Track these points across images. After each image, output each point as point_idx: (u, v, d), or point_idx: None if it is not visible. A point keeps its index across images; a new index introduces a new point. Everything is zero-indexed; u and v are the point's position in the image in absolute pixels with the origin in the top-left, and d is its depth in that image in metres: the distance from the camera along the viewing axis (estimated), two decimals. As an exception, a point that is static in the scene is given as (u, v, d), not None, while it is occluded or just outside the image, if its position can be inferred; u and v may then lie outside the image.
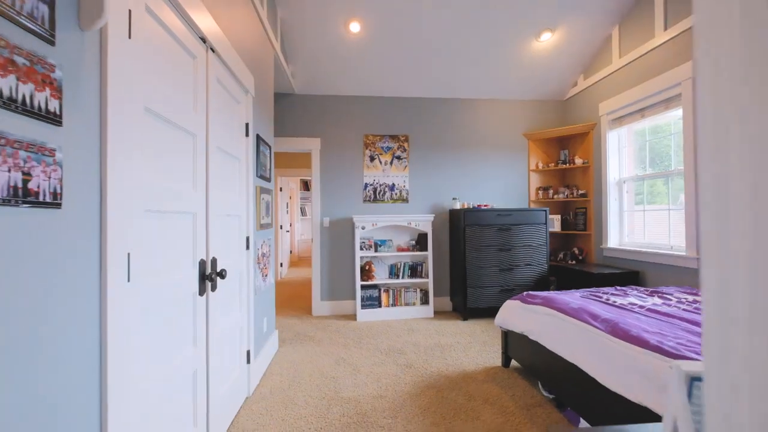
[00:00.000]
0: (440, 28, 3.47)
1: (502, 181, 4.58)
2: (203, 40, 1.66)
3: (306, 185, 10.52)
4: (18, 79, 0.74)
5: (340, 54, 3.75)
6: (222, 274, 1.71)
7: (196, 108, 1.59)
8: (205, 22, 1.63)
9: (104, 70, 0.99)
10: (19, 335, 0.74)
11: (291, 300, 5.13)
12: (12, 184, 0.72)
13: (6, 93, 0.71)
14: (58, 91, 0.83)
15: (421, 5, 3.21)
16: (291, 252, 9.09)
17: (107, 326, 0.98)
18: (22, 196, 0.74)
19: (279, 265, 7.09)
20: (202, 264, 1.64)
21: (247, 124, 2.33)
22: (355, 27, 3.45)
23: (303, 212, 10.84)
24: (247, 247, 2.33)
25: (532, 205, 4.59)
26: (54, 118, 0.82)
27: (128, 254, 1.07)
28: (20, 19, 0.74)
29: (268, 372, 2.69)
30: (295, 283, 6.51)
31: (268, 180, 2.94)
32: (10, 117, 0.72)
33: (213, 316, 1.75)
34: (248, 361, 2.31)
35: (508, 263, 4.00)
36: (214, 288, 1.73)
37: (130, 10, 1.09)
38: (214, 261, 1.74)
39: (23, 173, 0.74)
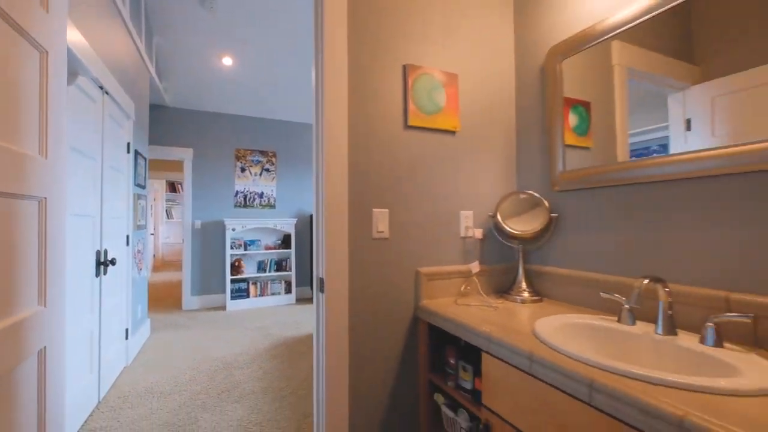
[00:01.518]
0: (304, 67, 4.43)
1: (354, 193, 5.79)
2: (101, 87, 2.24)
3: (173, 186, 10.09)
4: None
5: (213, 78, 4.35)
6: (113, 262, 2.30)
7: (96, 138, 2.17)
8: (103, 73, 2.21)
9: (54, 129, 1.62)
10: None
11: (158, 300, 5.32)
12: (22, 200, 1.37)
13: (21, 153, 1.37)
14: (36, 147, 1.48)
15: (285, 47, 4.12)
16: (154, 256, 8.71)
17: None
18: (25, 207, 1.39)
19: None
20: (98, 253, 2.21)
21: (128, 143, 2.85)
22: (227, 61, 4.13)
23: (168, 215, 10.34)
24: (127, 244, 2.84)
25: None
26: (35, 163, 1.47)
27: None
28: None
29: (143, 350, 3.18)
30: (161, 285, 6.52)
31: (143, 187, 3.40)
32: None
33: (104, 294, 2.31)
34: (126, 338, 2.81)
35: (354, 257, 5.19)
36: (105, 272, 2.29)
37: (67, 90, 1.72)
38: (105, 252, 2.31)
39: (25, 195, 1.39)
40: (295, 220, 5.07)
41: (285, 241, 5.18)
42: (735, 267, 0.92)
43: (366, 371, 1.32)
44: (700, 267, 0.99)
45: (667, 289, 0.94)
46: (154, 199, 8.60)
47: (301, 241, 5.38)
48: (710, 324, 0.86)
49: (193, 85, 4.36)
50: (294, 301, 5.09)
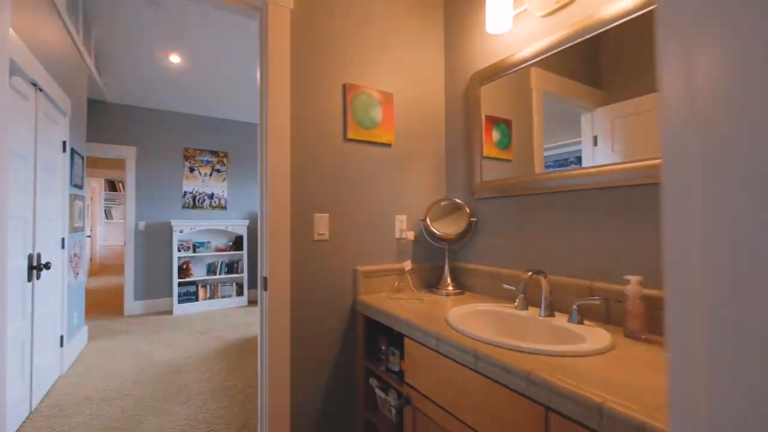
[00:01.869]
0: (256, 66, 4.42)
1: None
2: (34, 84, 2.16)
3: (112, 185, 9.43)
4: (-48, 146, 1.36)
5: (159, 75, 4.21)
6: (48, 266, 2.21)
7: (29, 137, 2.09)
8: (36, 69, 2.12)
9: (-17, 129, 1.57)
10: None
11: (96, 306, 5.01)
12: (-51, 203, 1.34)
13: (-52, 155, 1.33)
14: (-35, 148, 1.44)
15: (236, 46, 4.09)
16: (91, 259, 8.10)
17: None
18: (-48, 210, 1.36)
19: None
20: (30, 257, 2.12)
21: (64, 142, 2.73)
22: (175, 59, 4.03)
23: (108, 215, 9.64)
24: (63, 247, 2.71)
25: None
26: (-37, 165, 1.43)
27: None
28: (-47, 114, 1.36)
29: (81, 357, 3.04)
30: (99, 291, 6.11)
31: (81, 187, 3.25)
32: (-51, 168, 1.34)
33: (37, 300, 2.21)
34: (61, 345, 2.69)
35: (308, 257, 5.25)
36: (38, 277, 2.20)
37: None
38: (39, 255, 2.22)
39: (-47, 197, 1.36)
40: (247, 222, 5.02)
41: (237, 243, 5.11)
42: (599, 261, 1.17)
43: (308, 362, 1.45)
44: (576, 262, 1.24)
45: (547, 279, 1.17)
46: (91, 199, 8.01)
47: (253, 242, 5.33)
48: (575, 306, 1.10)
49: (138, 81, 4.19)
50: (246, 303, 5.05)
